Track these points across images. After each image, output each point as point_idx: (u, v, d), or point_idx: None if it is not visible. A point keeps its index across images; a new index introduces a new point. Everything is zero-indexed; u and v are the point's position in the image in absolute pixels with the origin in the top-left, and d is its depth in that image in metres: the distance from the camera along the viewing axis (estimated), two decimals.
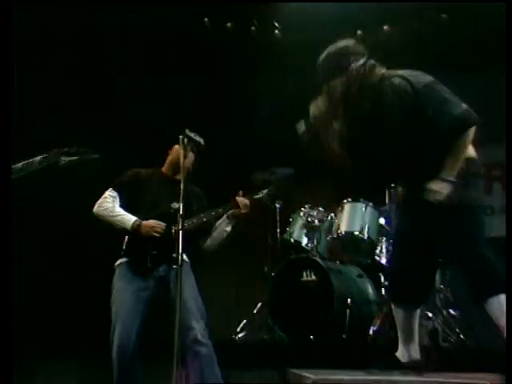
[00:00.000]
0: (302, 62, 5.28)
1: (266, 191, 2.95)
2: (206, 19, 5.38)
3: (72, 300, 4.25)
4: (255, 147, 4.80)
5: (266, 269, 4.00)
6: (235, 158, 4.82)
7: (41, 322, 4.09)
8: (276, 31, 5.63)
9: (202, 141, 2.77)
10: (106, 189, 2.82)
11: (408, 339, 2.41)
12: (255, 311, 3.95)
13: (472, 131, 2.21)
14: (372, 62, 2.25)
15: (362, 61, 2.22)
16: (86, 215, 2.89)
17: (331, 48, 2.33)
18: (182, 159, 2.55)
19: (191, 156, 2.84)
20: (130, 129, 4.20)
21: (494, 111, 4.78)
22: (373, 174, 2.74)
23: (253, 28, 5.63)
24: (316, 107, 2.33)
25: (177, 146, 2.84)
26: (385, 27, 5.56)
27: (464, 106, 2.16)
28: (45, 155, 2.12)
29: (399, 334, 2.45)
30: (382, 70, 2.26)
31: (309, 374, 2.37)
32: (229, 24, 5.52)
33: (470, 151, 2.28)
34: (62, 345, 4.07)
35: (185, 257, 2.74)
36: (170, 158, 2.92)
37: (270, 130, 4.82)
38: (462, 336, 3.19)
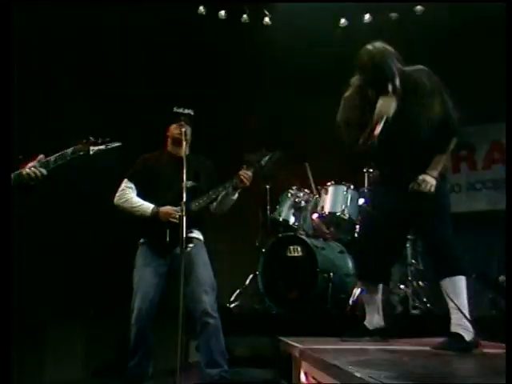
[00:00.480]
0: (291, 46, 5.45)
1: (267, 157, 2.99)
2: (200, 7, 5.43)
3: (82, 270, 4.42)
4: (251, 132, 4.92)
5: (257, 243, 4.22)
6: (231, 140, 4.91)
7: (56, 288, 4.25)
8: (266, 18, 5.71)
9: (191, 111, 2.94)
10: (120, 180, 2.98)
11: (373, 310, 2.67)
12: (247, 282, 4.18)
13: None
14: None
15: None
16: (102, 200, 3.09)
17: (380, 66, 2.33)
18: (184, 159, 2.68)
19: (188, 129, 2.97)
20: (129, 126, 4.24)
21: (463, 95, 4.97)
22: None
23: (244, 16, 5.69)
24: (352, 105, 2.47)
25: (174, 125, 2.98)
26: (366, 16, 5.67)
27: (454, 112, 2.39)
28: (75, 146, 2.26)
29: (365, 306, 2.71)
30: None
31: (296, 344, 2.59)
32: (222, 12, 5.57)
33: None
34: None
35: (199, 235, 2.95)
36: (170, 137, 3.03)
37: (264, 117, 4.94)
38: (428, 305, 3.45)
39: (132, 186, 2.95)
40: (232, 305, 4.05)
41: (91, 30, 4.03)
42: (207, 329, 2.79)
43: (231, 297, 4.12)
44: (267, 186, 4.21)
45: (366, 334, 2.63)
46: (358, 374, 1.56)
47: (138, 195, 2.95)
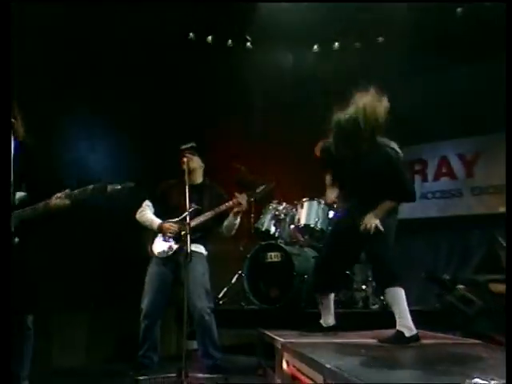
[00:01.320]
0: (269, 68, 5.85)
1: (262, 188, 3.50)
2: (190, 34, 5.81)
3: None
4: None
5: (241, 248, 4.64)
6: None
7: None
8: (248, 43, 6.11)
9: (193, 144, 3.35)
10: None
11: (326, 312, 3.14)
12: (233, 281, 4.59)
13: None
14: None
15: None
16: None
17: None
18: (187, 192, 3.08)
19: (196, 159, 3.39)
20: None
21: (413, 117, 5.50)
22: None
23: (229, 41, 6.08)
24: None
25: (184, 158, 3.34)
26: (336, 44, 6.10)
27: (412, 184, 2.93)
28: (95, 185, 2.52)
29: (320, 309, 3.16)
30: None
31: (279, 338, 3.00)
32: (209, 38, 5.96)
33: None
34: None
35: (200, 249, 3.37)
36: (181, 168, 3.36)
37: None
38: (385, 302, 3.92)
39: (150, 204, 3.43)
40: (221, 301, 4.46)
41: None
42: (202, 326, 3.22)
43: (220, 294, 4.52)
44: (252, 200, 4.60)
45: (321, 330, 3.09)
46: (327, 365, 2.00)
47: (155, 213, 3.40)
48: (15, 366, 2.35)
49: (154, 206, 3.44)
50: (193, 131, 4.83)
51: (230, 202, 3.34)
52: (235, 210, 3.32)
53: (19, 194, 2.37)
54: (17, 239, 2.29)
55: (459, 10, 5.53)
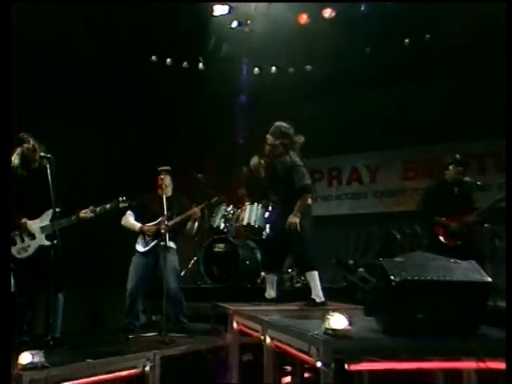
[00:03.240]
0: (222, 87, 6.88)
1: (214, 199, 4.71)
2: (153, 57, 6.71)
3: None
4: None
5: (196, 239, 5.73)
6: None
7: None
8: (200, 64, 7.11)
9: (169, 168, 4.41)
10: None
11: (270, 287, 4.33)
12: (190, 266, 5.69)
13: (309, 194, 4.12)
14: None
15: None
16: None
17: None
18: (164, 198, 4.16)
19: (168, 178, 4.47)
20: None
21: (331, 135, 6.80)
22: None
23: (185, 63, 7.05)
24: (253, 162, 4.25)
25: (160, 176, 4.41)
26: (290, 69, 7.16)
27: (308, 180, 4.07)
28: (111, 203, 3.60)
29: (266, 284, 4.36)
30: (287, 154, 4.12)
31: (229, 306, 4.17)
32: (168, 60, 6.89)
33: (309, 200, 4.20)
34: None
35: (173, 245, 4.41)
36: (157, 184, 4.45)
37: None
38: (305, 281, 5.22)
39: (131, 213, 4.46)
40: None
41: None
42: (175, 300, 4.33)
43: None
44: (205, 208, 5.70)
45: (265, 301, 4.25)
46: (265, 319, 3.22)
47: (136, 219, 4.43)
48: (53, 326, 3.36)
49: (135, 213, 4.45)
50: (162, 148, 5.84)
51: (192, 211, 4.46)
52: (193, 217, 4.46)
53: (58, 210, 3.35)
54: (55, 241, 3.27)
55: (368, 49, 6.89)
